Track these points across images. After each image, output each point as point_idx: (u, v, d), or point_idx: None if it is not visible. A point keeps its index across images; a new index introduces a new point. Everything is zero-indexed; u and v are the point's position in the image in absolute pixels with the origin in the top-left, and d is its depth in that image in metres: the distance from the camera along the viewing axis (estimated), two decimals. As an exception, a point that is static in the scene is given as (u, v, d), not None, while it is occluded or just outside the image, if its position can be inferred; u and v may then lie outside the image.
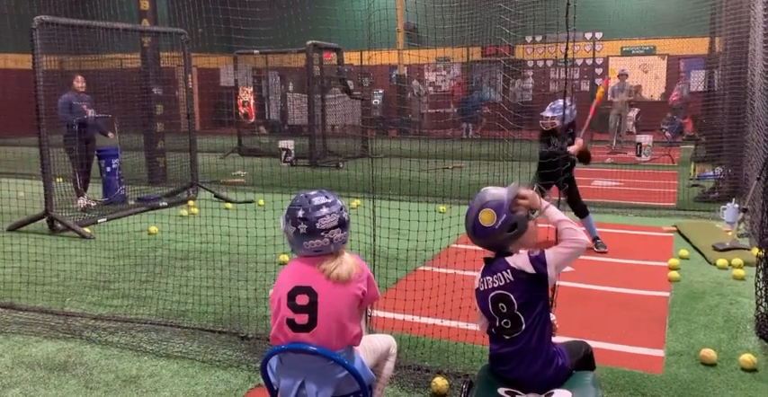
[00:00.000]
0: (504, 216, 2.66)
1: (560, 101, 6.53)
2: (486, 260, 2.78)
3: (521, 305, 2.64)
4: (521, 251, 2.72)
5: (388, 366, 3.05)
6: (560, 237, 2.71)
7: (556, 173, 5.83)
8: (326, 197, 2.72)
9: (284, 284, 2.70)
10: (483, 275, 2.75)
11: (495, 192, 2.74)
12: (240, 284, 5.45)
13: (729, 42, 9.33)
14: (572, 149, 6.46)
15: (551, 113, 6.47)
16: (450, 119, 19.29)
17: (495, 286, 2.69)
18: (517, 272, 2.64)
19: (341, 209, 2.72)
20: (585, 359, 2.83)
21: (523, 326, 2.65)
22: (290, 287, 2.67)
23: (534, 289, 2.65)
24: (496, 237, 2.71)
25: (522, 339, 2.65)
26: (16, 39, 9.43)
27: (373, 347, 2.93)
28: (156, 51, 10.85)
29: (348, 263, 2.70)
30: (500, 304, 2.68)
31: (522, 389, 2.66)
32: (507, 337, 2.69)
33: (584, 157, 6.69)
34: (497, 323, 2.71)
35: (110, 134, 9.57)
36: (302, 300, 2.64)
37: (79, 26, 8.53)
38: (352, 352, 2.73)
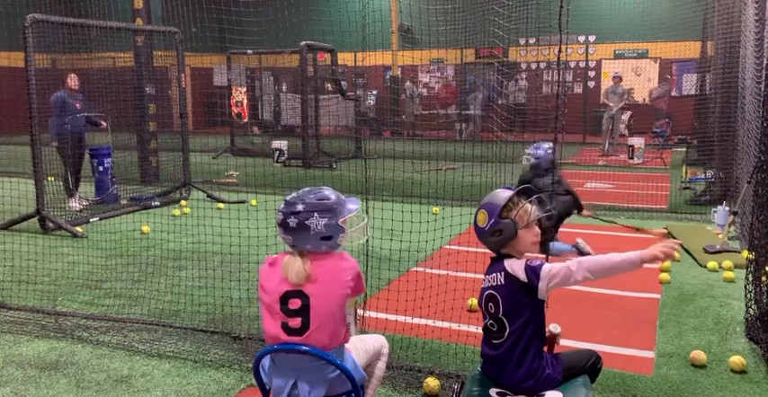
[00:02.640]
0: (493, 220, 2.67)
1: (545, 145, 6.52)
2: (492, 259, 2.80)
3: (506, 311, 2.64)
4: (522, 257, 2.71)
5: (380, 366, 3.04)
6: (587, 259, 2.58)
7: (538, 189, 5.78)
8: (298, 194, 2.71)
9: (274, 286, 2.68)
10: (486, 272, 2.78)
11: (499, 195, 2.73)
12: (232, 284, 5.45)
13: (721, 46, 9.39)
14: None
15: (531, 150, 6.48)
16: (444, 120, 19.30)
17: (489, 285, 2.72)
18: (510, 277, 2.64)
19: (303, 210, 2.66)
20: (588, 370, 2.79)
21: (506, 332, 2.65)
22: (281, 292, 2.65)
23: (522, 297, 2.62)
24: (486, 239, 2.73)
25: (505, 345, 2.66)
26: (9, 36, 9.39)
27: (365, 347, 2.93)
28: (150, 50, 10.83)
29: (297, 264, 2.64)
30: (489, 304, 2.71)
31: (512, 391, 2.67)
32: (494, 341, 2.70)
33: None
34: (486, 323, 2.74)
35: (102, 123, 9.47)
36: (295, 304, 2.62)
37: (72, 24, 8.50)
38: (344, 352, 2.73)
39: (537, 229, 2.74)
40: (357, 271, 2.74)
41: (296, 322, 2.62)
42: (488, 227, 2.68)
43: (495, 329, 2.69)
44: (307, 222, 2.65)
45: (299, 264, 2.66)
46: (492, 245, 2.74)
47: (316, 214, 2.66)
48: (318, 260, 2.70)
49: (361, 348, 2.89)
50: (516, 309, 2.63)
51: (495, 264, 2.73)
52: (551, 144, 6.47)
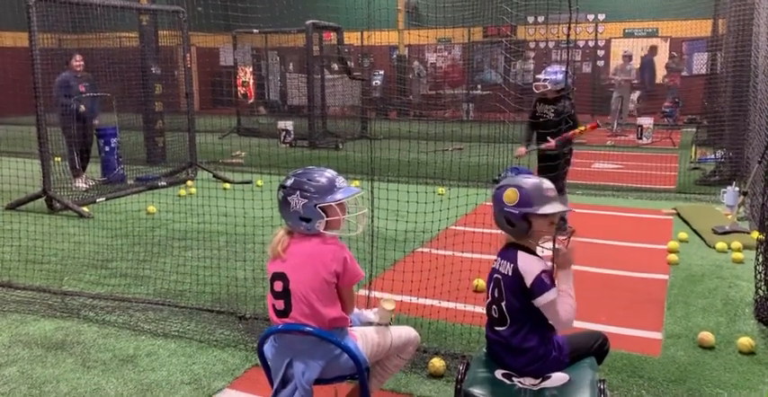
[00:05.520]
0: (517, 211, 2.61)
1: (556, 67, 6.39)
2: (507, 243, 2.74)
3: (509, 303, 2.62)
4: (537, 256, 2.65)
5: (395, 363, 2.94)
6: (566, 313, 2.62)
7: (556, 166, 5.73)
8: (299, 170, 2.76)
9: (269, 267, 2.73)
10: (498, 253, 2.74)
11: (531, 181, 2.68)
12: (238, 264, 5.44)
13: (733, 24, 9.24)
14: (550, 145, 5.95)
15: (544, 76, 6.23)
16: (451, 100, 19.17)
17: (498, 269, 2.68)
18: (519, 273, 2.59)
19: (289, 186, 2.69)
20: (596, 352, 2.77)
21: (508, 321, 2.63)
22: (271, 273, 2.70)
23: (526, 294, 2.59)
24: (498, 218, 2.68)
25: (506, 333, 2.64)
26: (13, 16, 9.31)
27: (381, 341, 2.83)
28: (155, 30, 10.74)
29: (276, 239, 2.73)
30: (495, 289, 2.68)
31: (518, 373, 2.65)
32: (497, 327, 2.68)
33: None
34: (490, 308, 2.71)
35: (95, 121, 9.41)
36: (278, 286, 2.67)
37: (76, 3, 8.42)
38: (347, 336, 2.71)
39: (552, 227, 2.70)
40: (343, 256, 2.66)
41: (280, 304, 2.66)
42: (507, 211, 2.63)
43: (497, 316, 2.67)
44: (288, 198, 2.67)
45: (277, 239, 2.70)
46: (499, 225, 2.71)
47: (298, 192, 2.66)
48: (302, 241, 2.69)
49: (372, 339, 2.80)
50: (519, 301, 2.61)
51: (509, 251, 2.68)
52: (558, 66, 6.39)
